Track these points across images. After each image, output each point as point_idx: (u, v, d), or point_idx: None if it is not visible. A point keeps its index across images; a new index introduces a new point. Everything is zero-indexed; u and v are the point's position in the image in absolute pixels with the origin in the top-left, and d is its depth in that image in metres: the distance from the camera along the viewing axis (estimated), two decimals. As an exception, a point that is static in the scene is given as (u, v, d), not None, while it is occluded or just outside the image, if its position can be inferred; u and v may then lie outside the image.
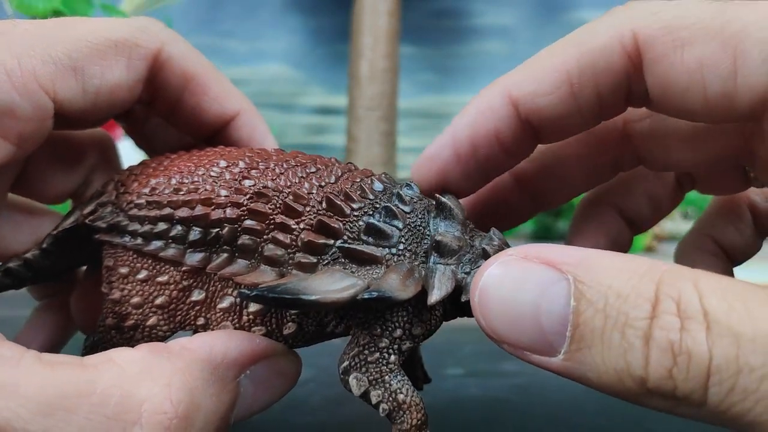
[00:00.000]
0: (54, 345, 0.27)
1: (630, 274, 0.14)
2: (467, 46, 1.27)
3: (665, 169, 0.24)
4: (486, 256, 0.19)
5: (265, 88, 1.25)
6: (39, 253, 0.23)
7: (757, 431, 0.12)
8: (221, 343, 0.18)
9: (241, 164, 0.20)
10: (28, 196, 0.26)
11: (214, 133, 0.25)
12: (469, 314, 0.18)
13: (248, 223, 0.19)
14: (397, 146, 1.10)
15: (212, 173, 0.20)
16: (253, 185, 0.19)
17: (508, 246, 0.19)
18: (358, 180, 0.20)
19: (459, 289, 0.19)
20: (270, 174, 0.19)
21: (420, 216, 0.19)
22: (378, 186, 0.20)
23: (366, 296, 0.17)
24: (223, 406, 0.17)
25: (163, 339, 0.20)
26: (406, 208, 0.19)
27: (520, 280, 0.15)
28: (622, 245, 0.27)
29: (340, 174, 0.20)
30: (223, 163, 0.20)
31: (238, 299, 0.19)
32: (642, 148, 0.23)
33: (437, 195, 0.20)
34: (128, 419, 0.15)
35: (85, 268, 0.27)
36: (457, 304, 0.19)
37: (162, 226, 0.20)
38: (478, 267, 0.18)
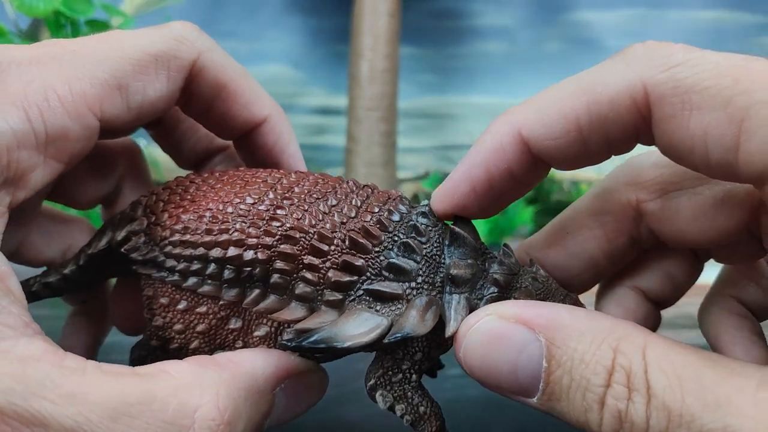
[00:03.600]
0: (93, 347, 0.29)
1: (592, 338, 0.16)
2: (467, 47, 1.27)
3: (681, 245, 0.24)
4: (497, 284, 0.20)
5: (265, 88, 1.25)
6: (76, 269, 0.24)
7: None
8: (262, 359, 0.20)
9: (267, 201, 0.20)
10: (61, 202, 0.26)
11: (242, 136, 0.26)
12: None
13: (279, 264, 0.20)
14: (397, 147, 1.10)
15: (240, 211, 0.20)
16: (281, 227, 0.20)
17: (517, 268, 0.21)
18: (376, 211, 0.20)
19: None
20: (295, 213, 0.20)
21: (435, 245, 0.20)
22: (396, 217, 0.20)
23: (391, 339, 0.19)
24: (260, 415, 0.19)
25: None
26: (423, 239, 0.20)
27: (499, 340, 0.17)
28: (651, 326, 0.26)
29: (359, 205, 0.20)
30: (249, 200, 0.20)
31: (272, 329, 0.20)
32: (655, 226, 0.24)
33: (451, 226, 0.21)
34: (184, 424, 0.17)
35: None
36: None
37: (197, 264, 0.21)
38: (490, 293, 0.20)
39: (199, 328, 0.21)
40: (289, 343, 0.19)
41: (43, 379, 0.16)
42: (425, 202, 0.21)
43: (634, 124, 0.18)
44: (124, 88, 0.21)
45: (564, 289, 0.22)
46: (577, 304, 0.22)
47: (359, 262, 0.19)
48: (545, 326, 0.17)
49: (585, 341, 0.16)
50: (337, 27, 1.23)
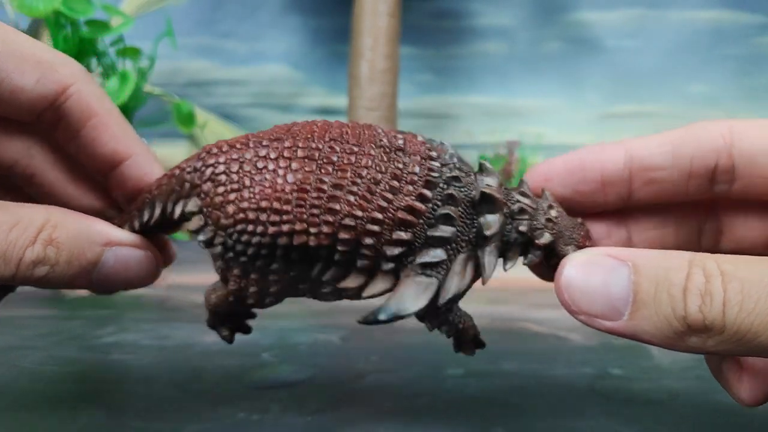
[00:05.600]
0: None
1: (670, 256, 0.20)
2: (467, 47, 1.27)
3: (739, 246, 0.27)
4: (521, 233, 0.23)
5: (265, 88, 1.25)
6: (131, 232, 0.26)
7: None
8: (102, 223, 0.25)
9: (320, 187, 0.22)
10: None
11: (109, 170, 0.27)
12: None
13: (339, 247, 0.22)
14: (397, 146, 1.10)
15: (298, 201, 0.22)
16: (338, 216, 0.22)
17: (534, 209, 0.24)
18: (417, 180, 0.22)
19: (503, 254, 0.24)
20: (348, 199, 0.22)
21: (468, 207, 0.23)
22: (432, 185, 0.23)
23: (442, 303, 0.23)
24: (86, 259, 0.24)
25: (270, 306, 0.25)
26: (458, 207, 0.23)
27: (593, 268, 0.21)
28: None
29: (400, 174, 0.22)
30: (303, 187, 0.22)
31: (335, 288, 0.24)
32: (724, 215, 0.26)
33: (481, 189, 0.23)
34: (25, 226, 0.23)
35: None
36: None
37: (265, 250, 0.23)
38: (515, 239, 0.23)
39: (273, 289, 0.24)
40: (366, 322, 0.22)
41: None
42: (452, 157, 0.24)
43: (716, 149, 0.24)
44: None
45: (573, 218, 0.25)
46: (588, 234, 0.25)
47: (407, 236, 0.22)
48: (629, 256, 0.21)
49: (665, 258, 0.20)
50: (337, 27, 1.23)
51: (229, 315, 0.26)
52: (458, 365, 0.37)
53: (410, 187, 0.22)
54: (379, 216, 0.22)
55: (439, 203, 0.23)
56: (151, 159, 0.27)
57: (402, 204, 0.22)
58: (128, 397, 0.31)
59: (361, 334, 0.45)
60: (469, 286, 0.24)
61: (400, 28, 1.08)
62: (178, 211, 0.24)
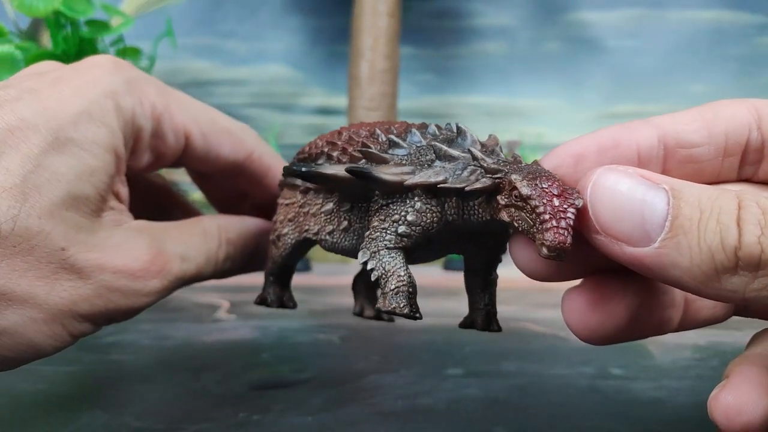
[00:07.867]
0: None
1: (711, 189, 0.18)
2: (467, 47, 1.27)
3: None
4: (486, 170, 0.22)
5: (265, 88, 1.25)
6: None
7: None
8: (252, 219, 0.32)
9: (340, 136, 0.27)
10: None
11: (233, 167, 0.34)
12: (469, 215, 0.23)
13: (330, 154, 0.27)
14: (397, 146, 1.10)
15: (325, 139, 0.28)
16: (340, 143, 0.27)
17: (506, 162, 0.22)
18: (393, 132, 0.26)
19: (457, 190, 0.22)
20: (346, 137, 0.27)
21: (433, 140, 0.24)
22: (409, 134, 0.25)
23: (354, 168, 0.24)
24: (252, 240, 0.31)
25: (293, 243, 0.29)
26: (417, 138, 0.24)
27: (628, 182, 0.18)
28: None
29: (387, 130, 0.26)
30: (334, 135, 0.28)
31: (335, 206, 0.27)
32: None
33: (457, 123, 0.24)
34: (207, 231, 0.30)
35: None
36: (461, 208, 0.23)
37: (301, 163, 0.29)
38: (474, 174, 0.22)
39: (290, 216, 0.29)
40: (350, 171, 0.24)
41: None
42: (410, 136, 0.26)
43: (747, 123, 0.22)
44: (206, 135, 0.30)
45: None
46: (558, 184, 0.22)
47: (374, 146, 0.25)
48: (666, 181, 0.18)
49: (707, 189, 0.18)
50: (337, 27, 1.23)
51: None
52: (458, 365, 0.37)
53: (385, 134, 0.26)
54: (373, 140, 0.26)
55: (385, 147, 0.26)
56: (269, 150, 0.36)
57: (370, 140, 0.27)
58: (128, 397, 0.31)
59: (361, 334, 0.45)
60: (411, 209, 0.23)
61: (400, 28, 1.08)
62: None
